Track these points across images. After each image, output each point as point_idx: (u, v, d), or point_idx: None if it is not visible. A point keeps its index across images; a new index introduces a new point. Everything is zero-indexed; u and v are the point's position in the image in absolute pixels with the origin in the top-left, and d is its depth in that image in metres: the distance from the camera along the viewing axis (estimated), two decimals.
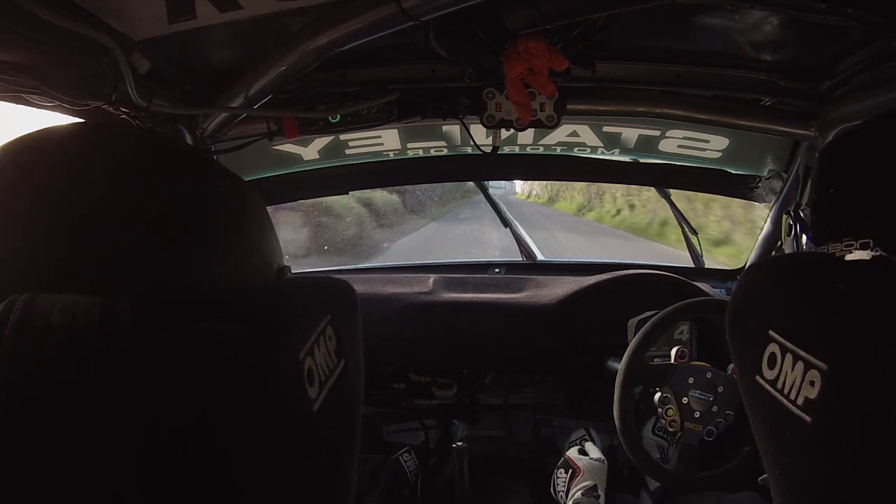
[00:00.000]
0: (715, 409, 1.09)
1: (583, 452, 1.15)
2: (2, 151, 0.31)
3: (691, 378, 1.10)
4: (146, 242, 0.31)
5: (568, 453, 1.13)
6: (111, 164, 0.32)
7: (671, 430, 1.11)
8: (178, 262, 0.32)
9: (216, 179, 0.37)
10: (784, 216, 1.23)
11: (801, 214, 1.15)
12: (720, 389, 1.10)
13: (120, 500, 0.25)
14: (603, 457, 1.12)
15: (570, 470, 1.08)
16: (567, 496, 1.04)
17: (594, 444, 1.24)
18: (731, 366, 1.14)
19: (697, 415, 1.09)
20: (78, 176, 0.30)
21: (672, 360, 1.13)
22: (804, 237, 1.13)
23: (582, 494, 1.02)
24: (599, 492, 1.03)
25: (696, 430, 1.10)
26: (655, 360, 1.22)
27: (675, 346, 1.17)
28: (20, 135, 0.31)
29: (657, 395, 1.10)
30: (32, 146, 0.31)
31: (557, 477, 1.11)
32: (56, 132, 0.32)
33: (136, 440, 0.25)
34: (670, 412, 1.10)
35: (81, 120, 0.33)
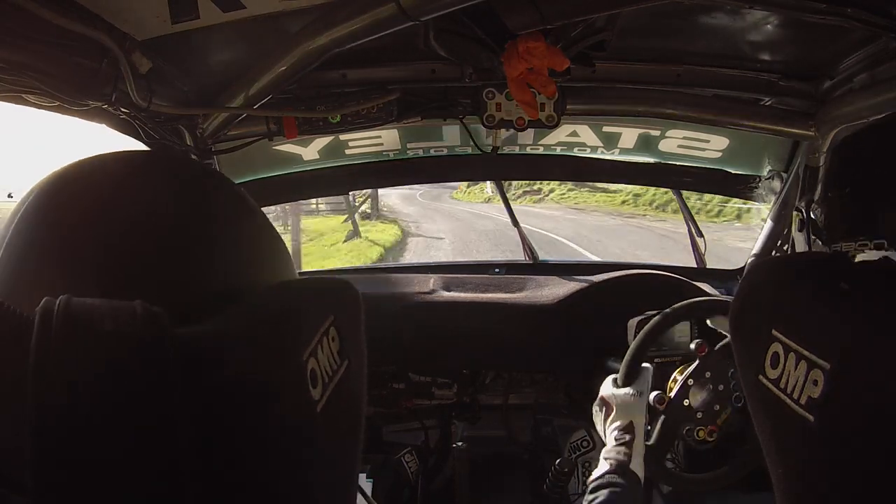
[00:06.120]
0: (721, 387, 1.09)
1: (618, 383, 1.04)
2: (54, 178, 0.34)
3: (686, 401, 1.09)
4: (163, 252, 0.32)
5: (602, 388, 1.04)
6: (148, 188, 0.35)
7: (711, 439, 1.09)
8: (189, 268, 0.33)
9: (234, 195, 0.38)
10: (795, 212, 1.23)
11: (813, 212, 1.14)
12: (707, 375, 1.09)
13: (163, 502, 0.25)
14: (641, 388, 1.03)
15: (604, 407, 1.02)
16: (605, 435, 1.00)
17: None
18: (694, 343, 1.10)
19: (717, 407, 1.09)
20: (116, 200, 0.33)
21: (660, 409, 1.08)
22: (813, 235, 1.12)
23: (616, 436, 0.96)
24: (635, 429, 0.97)
25: (727, 419, 1.09)
26: (656, 360, 1.21)
27: (652, 392, 1.07)
28: (69, 164, 0.35)
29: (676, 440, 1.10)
30: (78, 175, 0.34)
31: (595, 413, 1.05)
32: (98, 161, 0.36)
33: (173, 443, 0.25)
34: (701, 433, 1.08)
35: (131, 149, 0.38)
